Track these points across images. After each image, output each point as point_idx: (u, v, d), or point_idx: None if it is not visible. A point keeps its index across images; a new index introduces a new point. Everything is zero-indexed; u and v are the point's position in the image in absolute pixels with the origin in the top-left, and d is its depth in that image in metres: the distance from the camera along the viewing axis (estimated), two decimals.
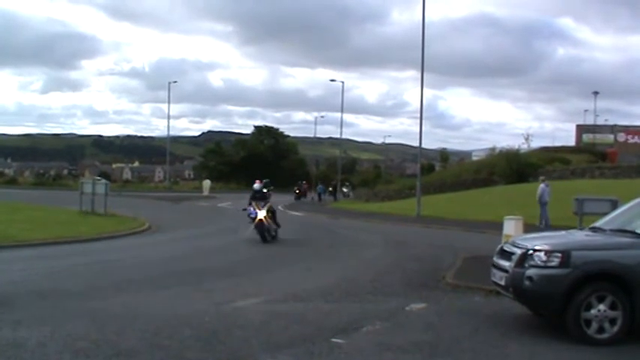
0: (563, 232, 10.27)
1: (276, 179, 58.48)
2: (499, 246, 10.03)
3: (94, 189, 29.83)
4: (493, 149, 62.88)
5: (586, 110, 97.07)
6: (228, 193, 64.74)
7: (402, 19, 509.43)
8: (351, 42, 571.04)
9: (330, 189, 65.66)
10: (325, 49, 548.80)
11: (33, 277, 12.86)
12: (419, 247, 20.46)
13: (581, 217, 19.22)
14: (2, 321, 8.60)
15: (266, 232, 20.46)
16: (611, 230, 9.32)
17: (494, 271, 9.47)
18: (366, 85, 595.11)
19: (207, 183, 66.94)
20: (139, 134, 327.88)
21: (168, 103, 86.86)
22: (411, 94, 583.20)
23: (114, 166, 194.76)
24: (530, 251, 8.64)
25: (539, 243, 8.87)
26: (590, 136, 75.73)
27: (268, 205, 20.95)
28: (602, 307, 8.19)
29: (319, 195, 62.72)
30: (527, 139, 62.79)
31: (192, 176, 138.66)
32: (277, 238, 21.22)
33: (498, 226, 17.26)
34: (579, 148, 69.56)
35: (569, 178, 48.37)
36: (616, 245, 8.72)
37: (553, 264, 8.35)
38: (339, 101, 69.62)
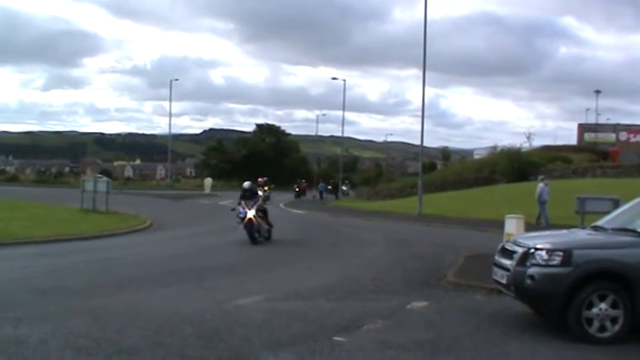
0: (564, 231, 10.26)
1: (277, 177, 58.67)
2: (500, 244, 10.03)
3: (95, 187, 29.86)
4: (495, 148, 62.99)
5: (588, 109, 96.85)
6: (229, 191, 64.61)
7: (404, 17, 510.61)
8: (353, 40, 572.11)
9: (330, 187, 65.65)
10: (327, 47, 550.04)
11: (34, 275, 12.87)
12: (420, 245, 20.45)
13: (583, 216, 19.22)
14: (4, 318, 8.61)
15: (255, 233, 19.45)
16: (613, 229, 9.31)
17: (496, 269, 9.46)
18: (368, 84, 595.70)
19: (208, 181, 66.98)
20: (140, 132, 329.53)
21: (170, 100, 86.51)
22: (412, 93, 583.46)
23: (115, 163, 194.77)
24: (532, 250, 8.63)
25: (541, 242, 8.86)
26: (592, 135, 75.69)
27: (258, 204, 20.02)
28: (603, 305, 8.18)
29: (321, 193, 62.74)
30: (528, 137, 62.92)
31: (193, 174, 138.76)
32: (271, 239, 20.34)
33: (500, 225, 17.25)
34: (581, 147, 69.51)
35: (571, 177, 48.35)
36: (617, 244, 8.70)
37: (555, 263, 8.34)
38: (341, 99, 69.47)
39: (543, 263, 8.42)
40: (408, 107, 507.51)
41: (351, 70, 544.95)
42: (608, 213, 11.04)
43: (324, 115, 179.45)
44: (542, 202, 28.25)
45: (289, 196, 57.06)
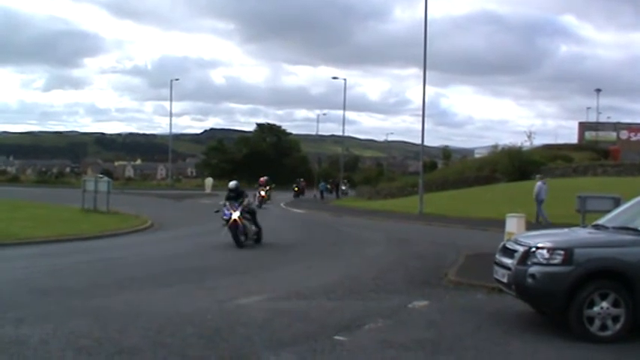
0: (565, 230, 10.25)
1: (278, 177, 58.70)
2: (501, 243, 10.02)
3: (96, 187, 29.84)
4: (495, 147, 63.01)
5: (589, 108, 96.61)
6: None
7: (405, 16, 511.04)
8: (354, 39, 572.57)
9: (329, 186, 65.58)
10: (327, 47, 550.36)
11: (35, 275, 12.88)
12: (421, 244, 20.45)
13: (584, 215, 19.23)
14: (5, 319, 8.62)
15: (241, 235, 18.38)
16: (614, 228, 9.30)
17: (497, 268, 9.45)
18: (369, 83, 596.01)
19: (209, 181, 66.93)
20: (141, 132, 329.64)
21: (171, 100, 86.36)
22: (413, 92, 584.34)
23: (116, 163, 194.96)
24: (533, 249, 8.62)
25: (542, 240, 8.85)
26: (593, 133, 75.70)
27: (245, 204, 19.02)
28: (604, 304, 8.17)
29: (321, 193, 62.71)
30: (529, 136, 62.81)
31: (194, 174, 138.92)
32: (261, 242, 19.33)
33: (501, 224, 17.24)
34: (582, 146, 69.53)
35: (572, 175, 48.33)
36: (619, 243, 8.69)
37: (556, 261, 8.34)
38: (342, 99, 69.49)
39: (544, 262, 8.42)
40: (408, 106, 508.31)
41: (352, 69, 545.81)
42: (609, 211, 11.02)
43: (324, 114, 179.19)
44: (539, 201, 28.28)
45: (290, 195, 57.06)
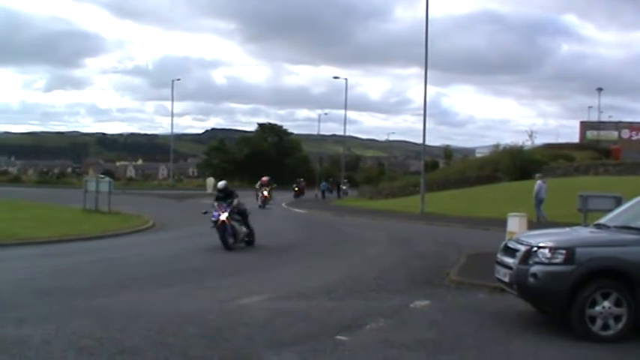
0: (567, 229, 10.24)
1: (279, 177, 58.68)
2: (503, 243, 10.02)
3: (97, 187, 29.85)
4: (497, 146, 63.00)
5: (590, 107, 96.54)
6: None
7: (406, 16, 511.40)
8: (355, 39, 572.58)
9: (328, 186, 65.46)
10: (329, 47, 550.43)
11: (37, 275, 12.89)
12: (423, 244, 20.44)
13: (586, 214, 19.21)
14: (7, 319, 8.63)
15: (230, 237, 17.68)
16: (616, 227, 9.29)
17: (498, 268, 9.45)
18: (370, 83, 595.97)
19: (210, 181, 66.82)
20: (142, 132, 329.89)
21: (172, 100, 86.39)
22: (414, 91, 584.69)
23: (118, 163, 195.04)
24: (535, 248, 8.61)
25: (544, 240, 8.85)
26: (594, 132, 75.65)
27: (234, 205, 18.27)
28: (606, 303, 8.16)
29: (323, 192, 62.65)
30: (531, 135, 62.77)
31: (196, 174, 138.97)
32: (254, 244, 18.81)
33: (502, 223, 17.22)
34: (583, 145, 69.43)
35: (573, 174, 48.26)
36: (620, 242, 8.68)
37: (557, 261, 8.33)
38: (343, 98, 69.75)
39: (546, 261, 8.41)
40: (409, 106, 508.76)
41: (353, 69, 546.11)
42: (610, 211, 11.01)
43: (326, 114, 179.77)
44: (539, 200, 28.32)
45: (290, 195, 57.04)
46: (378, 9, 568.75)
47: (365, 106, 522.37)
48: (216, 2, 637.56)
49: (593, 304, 8.16)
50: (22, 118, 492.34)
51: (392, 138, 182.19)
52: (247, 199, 48.71)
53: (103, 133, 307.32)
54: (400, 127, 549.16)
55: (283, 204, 45.99)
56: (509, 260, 9.08)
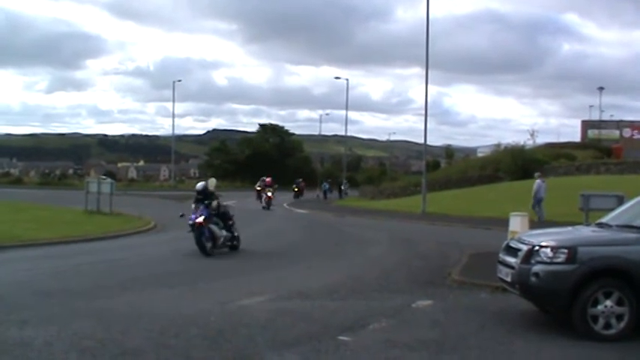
0: (569, 228, 10.23)
1: (281, 177, 58.68)
2: (505, 242, 10.02)
3: (99, 188, 29.84)
4: (498, 145, 62.98)
5: (591, 106, 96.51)
6: (233, 192, 64.67)
7: (407, 16, 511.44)
8: (356, 39, 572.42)
9: (330, 186, 65.39)
10: (330, 47, 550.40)
11: (39, 277, 12.89)
12: (424, 244, 20.42)
13: (587, 213, 19.17)
14: (9, 320, 8.63)
15: (208, 242, 16.47)
16: (618, 226, 9.28)
17: (500, 267, 9.45)
18: (371, 83, 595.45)
19: (212, 181, 66.53)
20: (143, 133, 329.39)
21: (173, 101, 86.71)
22: (415, 91, 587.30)
23: (119, 165, 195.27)
24: (537, 247, 8.61)
25: (546, 239, 8.84)
26: (596, 131, 75.77)
27: (213, 207, 17.14)
28: (608, 303, 8.16)
29: (324, 193, 62.62)
30: (532, 135, 62.93)
31: (197, 175, 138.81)
32: (239, 249, 17.80)
33: (504, 223, 17.19)
34: (585, 144, 69.47)
35: (575, 174, 48.23)
36: (622, 241, 8.67)
37: (559, 260, 8.33)
38: (344, 99, 69.98)
39: (548, 261, 8.40)
40: (411, 106, 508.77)
41: (354, 69, 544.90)
42: (612, 210, 11.01)
43: (327, 114, 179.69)
44: (538, 199, 28.37)
45: (291, 195, 57.05)
46: (379, 9, 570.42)
47: (366, 106, 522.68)
48: (217, 3, 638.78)
49: (595, 303, 8.16)
50: (23, 119, 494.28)
51: (393, 138, 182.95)
52: (249, 199, 49.13)
53: (105, 135, 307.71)
54: (401, 127, 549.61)
55: (285, 204, 46.01)
56: (511, 260, 9.07)
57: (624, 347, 7.96)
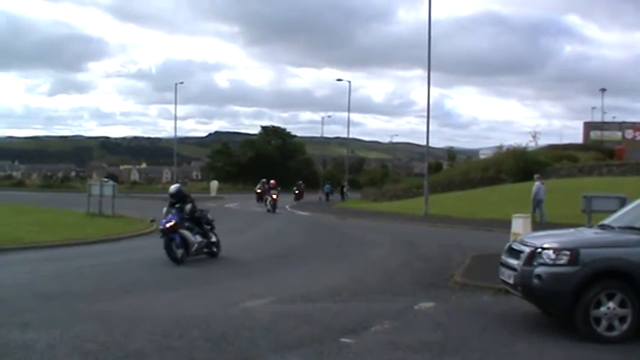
0: (571, 230, 10.22)
1: (283, 179, 58.66)
2: (507, 244, 10.01)
3: (101, 191, 29.85)
4: (500, 147, 62.82)
5: (593, 107, 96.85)
6: (235, 194, 64.88)
7: (408, 18, 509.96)
8: (358, 41, 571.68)
9: (332, 188, 65.29)
10: (331, 49, 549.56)
11: (41, 280, 12.89)
12: (427, 246, 20.42)
13: (590, 215, 19.16)
14: (11, 323, 8.63)
15: (179, 248, 15.26)
16: (620, 228, 9.28)
17: (503, 269, 9.44)
18: (373, 85, 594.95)
19: (214, 184, 67.01)
20: (146, 135, 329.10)
21: (175, 104, 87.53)
22: (417, 93, 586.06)
23: (121, 167, 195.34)
24: (539, 249, 8.60)
25: (548, 241, 8.83)
26: (598, 133, 75.65)
27: (186, 210, 16.00)
28: (611, 304, 8.15)
29: (327, 195, 62.57)
30: (534, 136, 62.85)
31: (199, 177, 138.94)
32: (218, 256, 16.70)
33: (506, 225, 17.21)
34: (587, 146, 69.32)
35: (577, 175, 48.21)
36: (625, 243, 8.67)
37: (562, 262, 8.32)
38: (346, 101, 70.29)
39: (550, 262, 8.40)
40: (413, 108, 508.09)
41: (356, 71, 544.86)
42: (614, 211, 11.00)
43: (329, 116, 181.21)
44: (537, 201, 28.41)
45: (292, 198, 57.07)
46: (380, 11, 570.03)
47: (368, 108, 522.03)
48: (219, 5, 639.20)
49: (598, 305, 8.15)
50: (25, 122, 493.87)
51: (395, 140, 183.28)
52: (251, 202, 49.14)
53: (107, 137, 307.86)
54: (403, 129, 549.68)
55: (287, 206, 46.02)
56: (513, 262, 9.07)
57: (627, 349, 7.95)
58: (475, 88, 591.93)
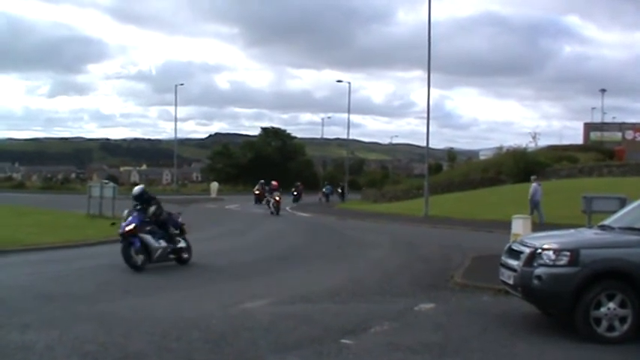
0: (571, 231, 10.22)
1: (283, 181, 58.66)
2: (507, 245, 10.00)
3: (101, 192, 29.84)
4: (500, 148, 62.78)
5: (593, 108, 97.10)
6: (235, 195, 64.82)
7: (408, 19, 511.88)
8: (357, 43, 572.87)
9: (332, 189, 65.22)
10: (331, 50, 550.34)
11: (41, 281, 12.88)
12: (427, 247, 20.41)
13: (590, 216, 19.16)
14: (11, 324, 8.63)
15: (138, 254, 14.18)
16: (620, 228, 9.28)
17: (503, 270, 9.44)
18: (373, 86, 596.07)
19: (214, 185, 66.98)
20: (146, 137, 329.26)
21: (175, 105, 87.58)
22: (417, 94, 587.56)
23: (122, 169, 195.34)
24: (539, 250, 8.60)
25: (548, 242, 8.83)
26: (598, 134, 75.68)
27: (149, 214, 14.93)
28: (611, 305, 8.15)
29: (327, 196, 62.52)
30: (534, 137, 62.78)
31: (199, 179, 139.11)
32: (188, 262, 15.55)
33: (506, 226, 17.21)
34: (587, 147, 69.37)
35: (577, 176, 48.22)
36: (625, 243, 8.66)
37: (562, 262, 8.32)
38: (346, 102, 70.28)
39: (550, 263, 8.40)
40: (413, 109, 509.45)
41: (356, 72, 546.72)
42: (614, 212, 10.99)
43: (329, 117, 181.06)
44: (534, 202, 28.44)
45: (290, 199, 57.08)
46: (380, 12, 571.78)
47: (368, 109, 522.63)
48: (219, 7, 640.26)
49: (598, 305, 8.15)
50: (25, 124, 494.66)
51: (395, 141, 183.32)
52: (251, 203, 49.13)
53: (107, 139, 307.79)
54: (403, 130, 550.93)
55: (287, 208, 46.00)
56: (513, 262, 9.06)
57: (627, 350, 7.95)
58: (475, 89, 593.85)
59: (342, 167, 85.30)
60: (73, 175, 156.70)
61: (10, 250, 17.54)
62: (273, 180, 44.42)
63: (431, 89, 38.36)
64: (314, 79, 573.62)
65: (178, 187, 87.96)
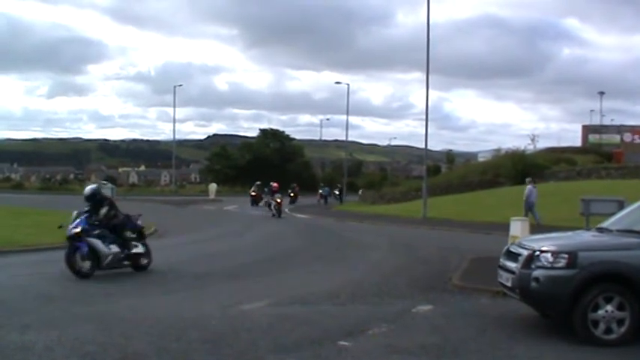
0: (569, 233, 10.24)
1: (282, 182, 58.64)
2: (505, 247, 10.02)
3: None
4: (499, 150, 62.81)
5: (592, 110, 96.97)
6: (234, 197, 64.75)
7: (407, 21, 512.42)
8: (357, 44, 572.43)
9: (330, 191, 65.14)
10: (330, 52, 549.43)
11: (40, 282, 12.89)
12: (425, 249, 20.42)
13: (588, 218, 19.19)
14: (10, 325, 8.65)
15: (84, 260, 13.08)
16: (618, 231, 9.29)
17: (501, 272, 9.45)
18: (372, 88, 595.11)
19: (213, 186, 66.93)
20: (144, 138, 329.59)
21: (174, 106, 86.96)
22: (416, 96, 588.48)
23: (120, 170, 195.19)
24: (537, 252, 8.61)
25: (546, 244, 8.85)
26: (597, 136, 75.77)
27: (100, 216, 13.78)
28: (609, 307, 8.16)
29: (325, 197, 62.47)
30: (533, 139, 62.88)
31: (198, 180, 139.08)
32: (148, 269, 14.50)
33: (504, 228, 17.22)
34: (585, 149, 69.44)
35: (576, 178, 48.24)
36: (623, 246, 8.68)
37: (560, 265, 8.33)
38: (345, 104, 70.08)
39: (548, 265, 8.41)
40: (411, 111, 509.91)
41: (355, 74, 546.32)
42: (613, 214, 11.03)
43: (328, 119, 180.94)
44: (530, 204, 28.46)
45: (287, 201, 57.08)
46: (379, 14, 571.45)
47: (367, 111, 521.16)
48: (218, 8, 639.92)
49: (596, 308, 8.16)
50: (24, 124, 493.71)
51: (394, 143, 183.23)
52: (249, 204, 49.11)
53: (106, 140, 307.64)
54: (402, 131, 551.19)
55: (285, 209, 45.98)
56: (511, 264, 9.08)
57: (625, 352, 7.97)
58: (473, 91, 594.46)
59: (341, 169, 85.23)
60: (72, 176, 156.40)
61: (9, 251, 17.58)
62: (273, 182, 44.35)
63: (429, 91, 38.33)
64: (313, 80, 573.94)
65: (177, 188, 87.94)
